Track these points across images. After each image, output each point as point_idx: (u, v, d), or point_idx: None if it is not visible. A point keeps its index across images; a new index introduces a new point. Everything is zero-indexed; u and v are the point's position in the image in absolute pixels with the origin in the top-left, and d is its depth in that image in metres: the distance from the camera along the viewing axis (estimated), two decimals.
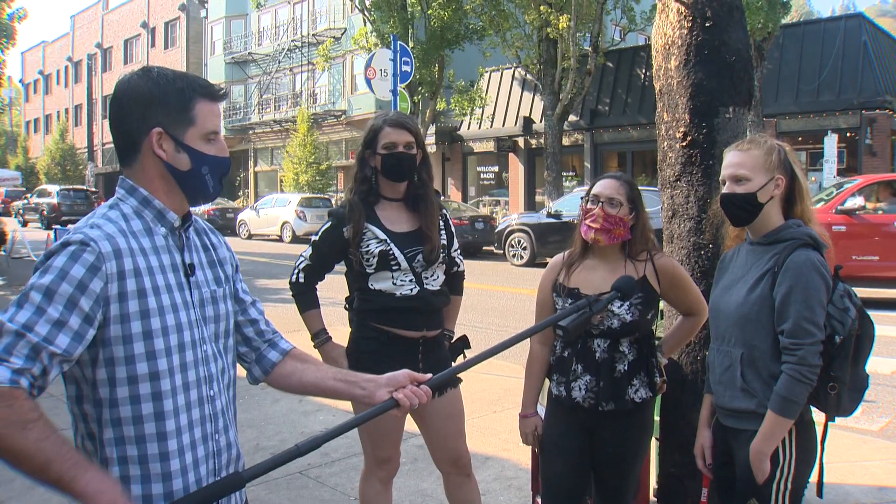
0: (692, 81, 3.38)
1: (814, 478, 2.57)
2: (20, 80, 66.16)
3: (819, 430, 2.56)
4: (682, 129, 3.41)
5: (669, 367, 3.32)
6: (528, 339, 2.53)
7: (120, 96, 1.74)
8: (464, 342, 3.47)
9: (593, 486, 3.01)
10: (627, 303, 2.77)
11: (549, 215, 17.44)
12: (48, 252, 1.62)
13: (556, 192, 22.66)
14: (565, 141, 25.31)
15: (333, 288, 3.85)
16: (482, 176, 30.87)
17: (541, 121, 25.62)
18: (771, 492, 2.46)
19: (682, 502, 3.50)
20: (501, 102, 29.12)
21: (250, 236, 27.78)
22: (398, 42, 13.70)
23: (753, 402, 2.48)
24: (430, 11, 24.23)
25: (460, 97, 26.19)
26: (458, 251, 3.42)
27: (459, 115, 27.70)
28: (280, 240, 26.17)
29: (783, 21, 21.93)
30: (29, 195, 34.70)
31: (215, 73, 39.66)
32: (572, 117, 25.17)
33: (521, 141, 28.44)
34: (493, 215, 24.17)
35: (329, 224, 3.23)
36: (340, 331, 3.38)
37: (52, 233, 15.32)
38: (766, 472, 2.44)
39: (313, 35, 34.67)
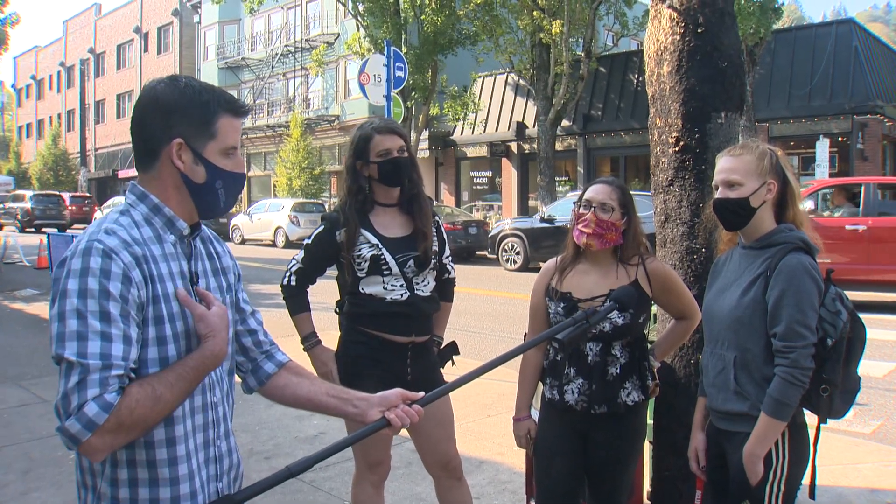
0: (684, 87, 3.40)
1: (806, 480, 2.59)
2: (12, 85, 66.03)
3: (811, 432, 2.57)
4: (674, 135, 3.43)
5: (663, 371, 3.33)
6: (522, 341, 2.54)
7: (144, 102, 1.74)
8: (452, 348, 3.48)
9: (587, 490, 3.02)
10: None
11: (542, 220, 17.48)
12: (79, 270, 1.58)
13: (549, 197, 22.69)
14: (558, 146, 25.37)
15: (326, 292, 3.85)
16: (475, 181, 30.90)
17: (534, 126, 25.68)
18: (764, 494, 2.48)
19: None
20: (494, 107, 29.17)
21: (244, 241, 27.74)
22: (392, 47, 13.70)
23: (746, 404, 2.50)
24: (423, 17, 24.29)
25: (453, 102, 26.25)
26: (450, 258, 3.43)
27: (452, 121, 27.74)
28: (273, 245, 26.13)
29: (775, 26, 22.02)
30: (2, 201, 35.56)
31: (208, 78, 39.56)
32: (565, 122, 25.25)
33: (514, 146, 28.48)
34: (487, 220, 24.23)
35: (322, 228, 3.24)
36: (333, 335, 3.38)
37: (44, 237, 15.28)
38: (759, 475, 2.45)
39: (306, 40, 34.67)
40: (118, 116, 47.66)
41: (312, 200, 28.41)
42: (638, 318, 2.84)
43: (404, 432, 3.37)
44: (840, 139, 21.67)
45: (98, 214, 30.46)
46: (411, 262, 3.14)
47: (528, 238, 17.47)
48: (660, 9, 3.51)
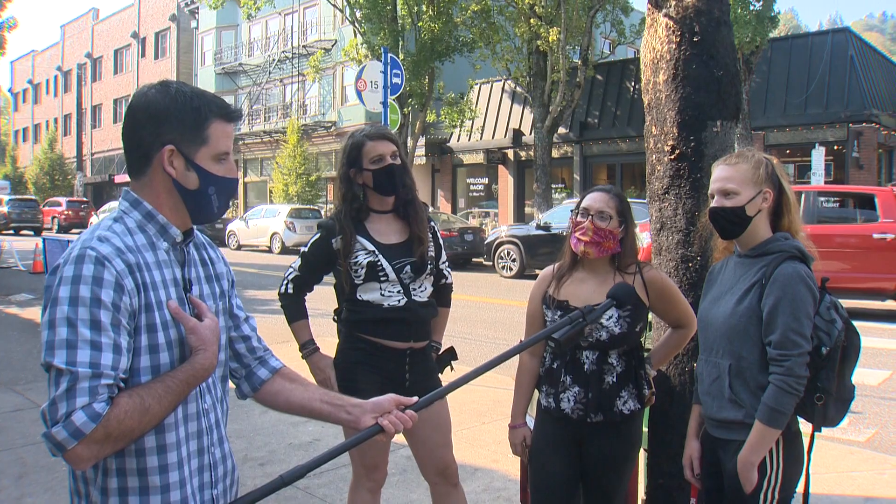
0: (680, 95, 3.41)
1: (800, 488, 2.59)
2: (9, 90, 65.94)
3: (806, 440, 2.58)
4: (670, 143, 3.44)
5: (658, 379, 3.33)
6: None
7: (135, 109, 1.73)
8: (451, 354, 3.48)
9: (582, 497, 3.01)
10: (616, 314, 2.79)
11: (538, 227, 17.50)
12: (70, 277, 1.57)
13: (545, 204, 22.71)
14: (555, 153, 25.39)
15: (324, 300, 3.85)
16: (472, 188, 30.94)
17: (530, 133, 25.72)
18: (758, 502, 2.48)
19: None
20: (491, 114, 29.23)
21: (240, 247, 27.70)
22: (389, 54, 13.71)
23: (741, 412, 2.50)
24: (420, 24, 24.33)
25: (450, 109, 26.27)
26: (446, 263, 3.43)
27: (449, 127, 27.79)
28: (269, 251, 26.10)
29: (771, 35, 22.12)
30: None
31: (205, 83, 39.60)
32: (562, 130, 25.28)
33: (510, 153, 28.53)
34: (483, 227, 24.22)
35: (318, 235, 3.24)
36: (330, 342, 3.38)
37: (40, 241, 15.27)
38: (753, 482, 2.45)
39: (304, 46, 34.74)
40: (115, 121, 47.62)
41: (309, 206, 28.40)
42: (635, 326, 2.84)
43: (402, 438, 3.38)
44: (836, 147, 21.76)
45: (94, 219, 30.49)
46: (408, 268, 3.15)
47: (525, 245, 17.48)
48: (656, 17, 3.53)
